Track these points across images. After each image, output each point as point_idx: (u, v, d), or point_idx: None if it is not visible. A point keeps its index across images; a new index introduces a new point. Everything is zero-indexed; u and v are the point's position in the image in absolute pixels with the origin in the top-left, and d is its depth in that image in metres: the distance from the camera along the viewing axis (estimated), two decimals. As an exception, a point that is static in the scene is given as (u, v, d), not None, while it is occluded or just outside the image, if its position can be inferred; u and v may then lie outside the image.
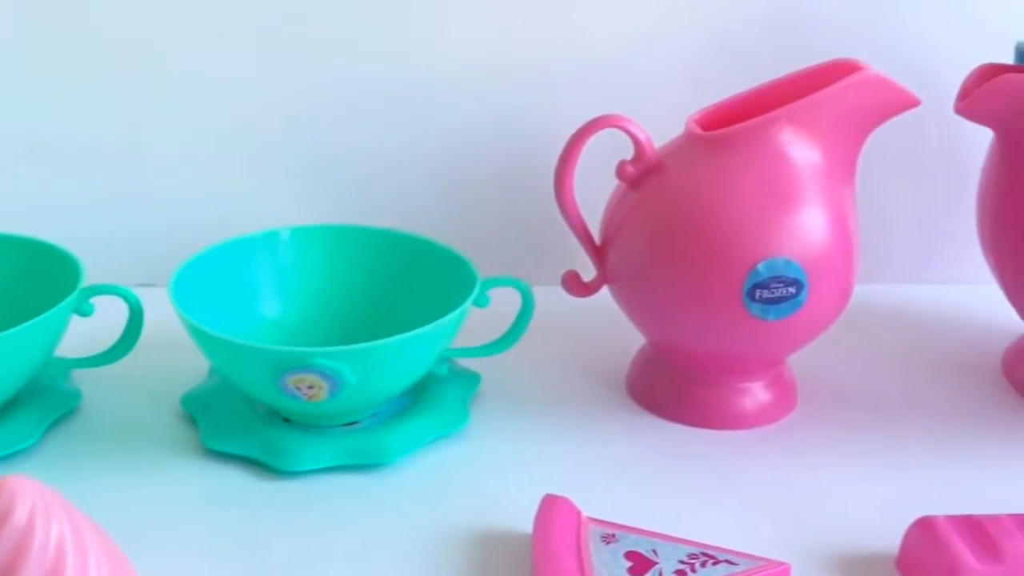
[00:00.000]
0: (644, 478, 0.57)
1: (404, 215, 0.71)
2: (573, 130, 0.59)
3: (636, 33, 0.75)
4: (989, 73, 0.60)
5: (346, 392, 0.54)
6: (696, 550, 0.48)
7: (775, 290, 0.56)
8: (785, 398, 0.63)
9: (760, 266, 0.55)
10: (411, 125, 0.76)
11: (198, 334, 0.55)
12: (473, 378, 0.64)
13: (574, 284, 0.63)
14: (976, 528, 0.47)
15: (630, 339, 0.65)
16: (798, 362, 0.65)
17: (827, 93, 0.56)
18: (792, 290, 0.56)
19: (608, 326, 0.66)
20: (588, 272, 0.63)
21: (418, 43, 0.74)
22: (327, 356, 0.52)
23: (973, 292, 0.74)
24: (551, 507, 0.49)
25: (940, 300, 0.77)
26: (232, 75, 0.74)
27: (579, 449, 0.60)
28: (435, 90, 0.75)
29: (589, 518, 0.50)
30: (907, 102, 0.57)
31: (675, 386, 0.63)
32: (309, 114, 0.75)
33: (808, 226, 0.56)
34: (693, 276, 0.57)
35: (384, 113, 0.75)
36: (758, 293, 0.56)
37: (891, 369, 0.68)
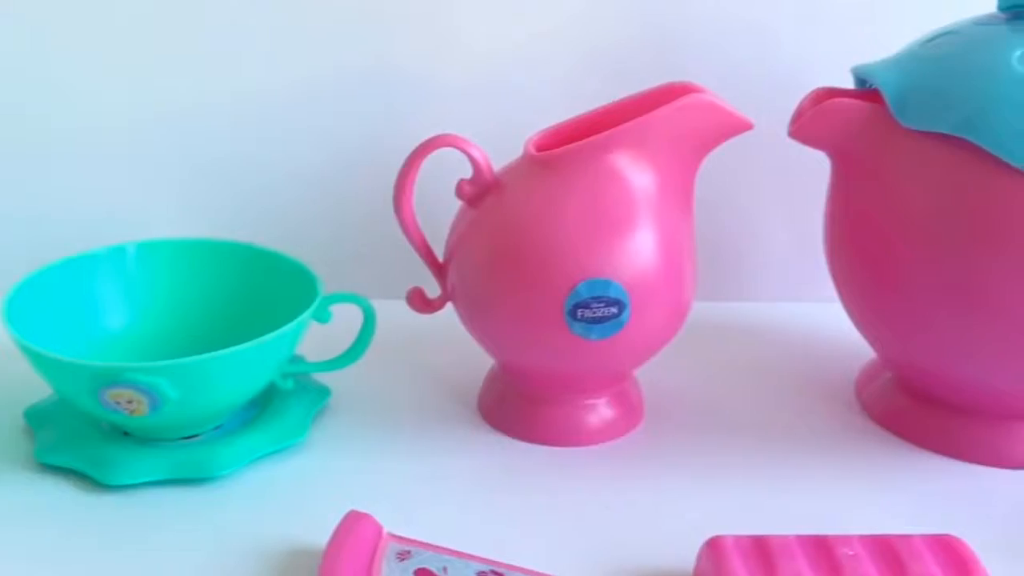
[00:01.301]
0: (473, 495, 0.58)
1: (268, 227, 0.72)
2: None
3: (514, 46, 0.76)
4: (823, 97, 0.60)
5: (168, 407, 0.55)
6: (487, 568, 0.48)
7: (596, 310, 0.56)
8: (630, 415, 0.64)
9: (580, 286, 0.56)
10: (273, 138, 0.76)
11: (23, 348, 0.55)
12: (321, 393, 0.64)
13: (418, 301, 0.63)
14: (761, 548, 0.48)
15: (488, 356, 0.65)
16: (651, 379, 0.66)
17: (655, 116, 0.57)
18: (614, 310, 0.56)
19: (469, 343, 0.67)
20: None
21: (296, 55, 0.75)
22: (142, 371, 0.53)
23: (842, 311, 0.75)
24: (351, 523, 0.50)
25: (807, 318, 0.77)
26: (107, 86, 0.75)
27: (414, 465, 0.60)
28: (301, 104, 0.76)
29: (390, 535, 0.50)
30: (738, 126, 0.58)
31: (520, 404, 0.63)
32: (181, 126, 0.76)
33: (632, 247, 0.57)
34: (519, 295, 0.57)
35: (257, 125, 0.76)
36: (579, 312, 0.56)
37: (745, 387, 0.69)
